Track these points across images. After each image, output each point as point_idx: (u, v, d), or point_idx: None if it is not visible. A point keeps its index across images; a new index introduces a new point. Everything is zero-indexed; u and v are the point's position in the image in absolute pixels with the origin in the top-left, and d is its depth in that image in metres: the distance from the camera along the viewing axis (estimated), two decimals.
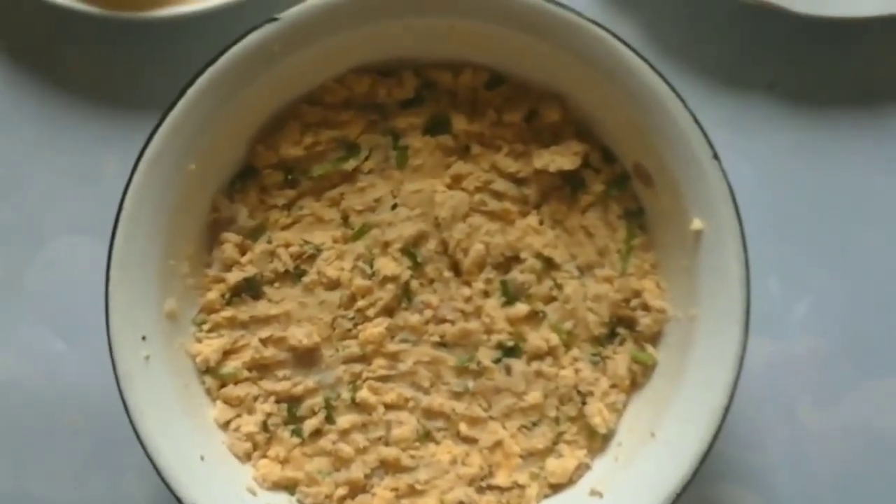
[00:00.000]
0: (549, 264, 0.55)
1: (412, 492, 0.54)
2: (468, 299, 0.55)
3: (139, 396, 0.50)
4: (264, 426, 0.55)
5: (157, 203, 0.51)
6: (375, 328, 0.54)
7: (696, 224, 0.50)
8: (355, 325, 0.55)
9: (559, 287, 0.55)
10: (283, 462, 0.55)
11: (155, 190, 0.51)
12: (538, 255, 0.55)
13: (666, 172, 0.51)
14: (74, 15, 0.59)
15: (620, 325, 0.55)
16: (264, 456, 0.55)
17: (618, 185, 0.55)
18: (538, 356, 0.55)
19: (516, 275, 0.55)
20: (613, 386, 0.55)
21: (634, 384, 0.55)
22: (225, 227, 0.56)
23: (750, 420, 0.60)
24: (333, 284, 0.55)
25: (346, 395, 0.55)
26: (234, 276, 0.55)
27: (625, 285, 0.54)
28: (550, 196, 0.56)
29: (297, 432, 0.55)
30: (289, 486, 0.54)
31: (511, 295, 0.55)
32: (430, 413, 0.55)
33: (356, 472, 0.54)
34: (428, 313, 0.55)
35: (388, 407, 0.55)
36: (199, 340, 0.55)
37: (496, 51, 0.53)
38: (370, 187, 0.56)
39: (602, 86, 0.51)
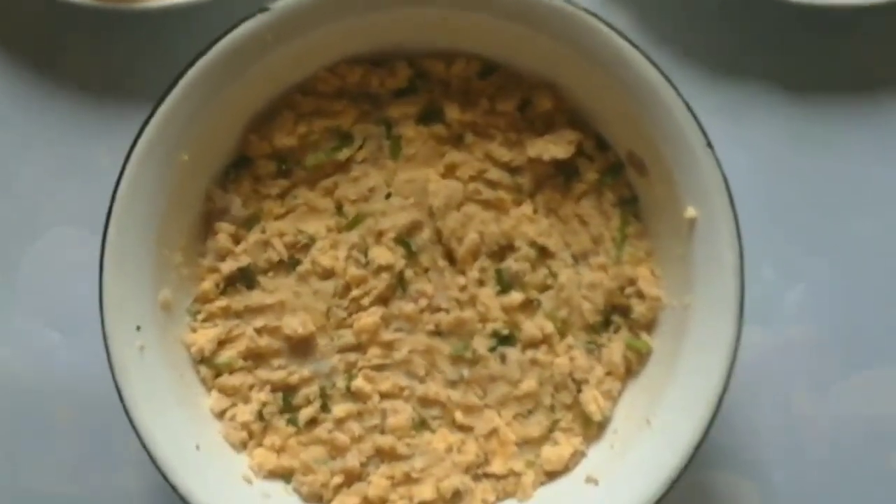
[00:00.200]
0: (544, 253, 0.55)
1: (408, 480, 0.54)
2: (463, 288, 0.55)
3: (134, 387, 0.50)
4: (260, 415, 0.55)
5: (151, 194, 0.51)
6: (370, 317, 0.54)
7: (691, 212, 0.50)
8: (350, 314, 0.55)
9: (554, 275, 0.55)
10: (279, 451, 0.55)
11: (148, 181, 0.51)
12: (532, 244, 0.55)
13: (660, 161, 0.51)
14: (66, 6, 0.59)
15: (615, 313, 0.55)
16: (260, 445, 0.55)
17: (612, 173, 0.55)
18: (533, 344, 0.55)
19: (511, 263, 0.55)
20: (608, 373, 0.55)
21: (629, 372, 0.55)
22: (219, 217, 0.56)
23: (744, 407, 0.60)
24: (328, 274, 0.55)
25: (341, 383, 0.55)
26: (228, 266, 0.55)
27: (619, 273, 0.55)
28: (544, 184, 0.56)
29: (292, 421, 0.55)
30: (284, 475, 0.54)
31: (506, 283, 0.55)
32: (425, 401, 0.55)
33: (352, 460, 0.54)
34: (423, 302, 0.55)
35: (384, 395, 0.55)
36: (193, 330, 0.55)
37: (489, 40, 0.53)
38: (364, 177, 0.56)
39: (596, 75, 0.51)
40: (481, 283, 0.55)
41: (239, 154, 0.56)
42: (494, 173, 0.55)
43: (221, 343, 0.55)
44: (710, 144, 0.50)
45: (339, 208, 0.56)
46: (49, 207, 0.62)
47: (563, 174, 0.56)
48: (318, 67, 0.55)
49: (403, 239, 0.55)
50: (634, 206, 0.55)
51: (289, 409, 0.55)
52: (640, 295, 0.54)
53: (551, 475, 0.55)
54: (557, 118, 0.56)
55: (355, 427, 0.54)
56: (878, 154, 0.62)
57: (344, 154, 0.56)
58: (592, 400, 0.54)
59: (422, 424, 0.55)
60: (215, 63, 0.50)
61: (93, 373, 0.55)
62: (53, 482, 0.61)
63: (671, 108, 0.50)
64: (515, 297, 0.55)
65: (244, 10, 0.50)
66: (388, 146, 0.56)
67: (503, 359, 0.55)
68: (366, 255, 0.55)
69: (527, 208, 0.55)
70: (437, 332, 0.55)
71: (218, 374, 0.55)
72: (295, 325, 0.54)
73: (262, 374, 0.55)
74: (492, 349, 0.55)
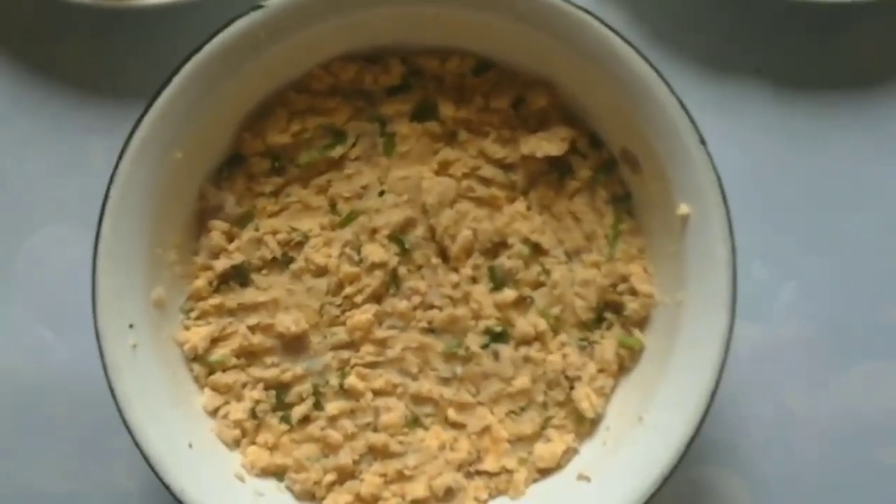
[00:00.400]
0: (537, 250, 0.55)
1: (401, 477, 0.54)
2: (456, 285, 0.55)
3: (127, 385, 0.50)
4: (252, 413, 0.55)
5: (144, 191, 0.51)
6: (363, 315, 0.54)
7: (683, 209, 0.51)
8: (343, 311, 0.55)
9: (547, 272, 0.55)
10: (272, 449, 0.55)
11: (141, 178, 0.51)
12: (526, 241, 0.55)
13: (653, 158, 0.51)
14: (59, 4, 0.59)
15: (608, 310, 0.55)
16: (253, 443, 0.55)
17: (605, 170, 0.55)
18: (526, 341, 0.55)
19: (504, 260, 0.55)
20: (601, 370, 0.55)
21: (622, 368, 0.55)
22: (212, 215, 0.56)
23: (736, 404, 0.60)
24: (321, 271, 0.55)
25: (334, 381, 0.55)
26: (221, 264, 0.55)
27: (612, 270, 0.55)
28: (538, 182, 0.56)
29: (285, 419, 0.55)
30: (277, 473, 0.54)
31: (499, 280, 0.55)
32: (418, 399, 0.55)
33: (345, 458, 0.54)
34: (416, 299, 0.55)
35: (377, 393, 0.55)
36: (186, 328, 0.55)
37: (483, 38, 0.53)
38: (357, 174, 0.56)
39: (589, 72, 0.51)
40: (474, 280, 0.55)
41: (232, 152, 0.56)
42: (488, 170, 0.55)
43: (214, 341, 0.55)
44: (703, 141, 0.50)
45: (332, 206, 0.56)
46: (44, 205, 0.62)
47: (556, 171, 0.56)
48: (311, 65, 0.55)
49: (397, 236, 0.55)
50: (627, 203, 0.55)
51: (282, 406, 0.55)
52: (633, 292, 0.54)
53: (544, 472, 0.55)
54: (551, 115, 0.56)
55: (348, 425, 0.54)
56: (872, 151, 0.62)
57: (337, 151, 0.56)
58: (585, 397, 0.54)
59: (414, 422, 0.55)
60: (209, 61, 0.50)
61: (87, 370, 0.55)
62: (48, 479, 0.60)
63: (665, 105, 0.50)
64: (508, 294, 0.55)
65: (238, 8, 0.50)
66: (381, 143, 0.56)
67: (496, 356, 0.55)
68: (359, 252, 0.55)
69: (520, 205, 0.55)
70: (431, 330, 0.55)
71: (211, 372, 0.55)
72: (288, 322, 0.54)
73: (255, 371, 0.55)
74: (485, 346, 0.55)
